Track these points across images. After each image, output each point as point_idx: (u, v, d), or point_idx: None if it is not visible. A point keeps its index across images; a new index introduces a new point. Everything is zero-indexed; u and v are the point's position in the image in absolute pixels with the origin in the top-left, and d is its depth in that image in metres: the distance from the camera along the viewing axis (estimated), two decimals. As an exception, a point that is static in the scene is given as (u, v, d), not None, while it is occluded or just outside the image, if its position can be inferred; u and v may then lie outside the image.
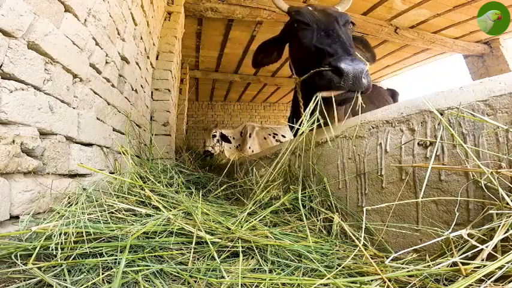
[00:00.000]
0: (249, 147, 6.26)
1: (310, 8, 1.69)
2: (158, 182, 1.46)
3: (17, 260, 0.71)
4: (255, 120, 9.03)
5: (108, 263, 0.77)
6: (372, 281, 0.70)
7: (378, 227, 1.04)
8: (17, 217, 0.85)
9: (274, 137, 6.49)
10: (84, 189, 1.12)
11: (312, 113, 1.28)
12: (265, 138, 6.44)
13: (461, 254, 0.69)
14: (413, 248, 0.87)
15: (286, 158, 1.37)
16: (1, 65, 0.77)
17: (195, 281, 0.74)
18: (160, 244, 0.87)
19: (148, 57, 2.49)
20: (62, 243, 0.78)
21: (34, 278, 0.69)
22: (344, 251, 0.98)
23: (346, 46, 1.37)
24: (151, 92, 2.79)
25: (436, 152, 0.90)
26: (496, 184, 0.73)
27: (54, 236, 0.78)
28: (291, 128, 1.95)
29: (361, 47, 1.90)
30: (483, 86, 0.85)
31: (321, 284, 0.70)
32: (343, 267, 0.78)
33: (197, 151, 4.11)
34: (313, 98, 1.30)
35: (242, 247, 0.89)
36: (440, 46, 4.96)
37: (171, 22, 3.07)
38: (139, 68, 2.18)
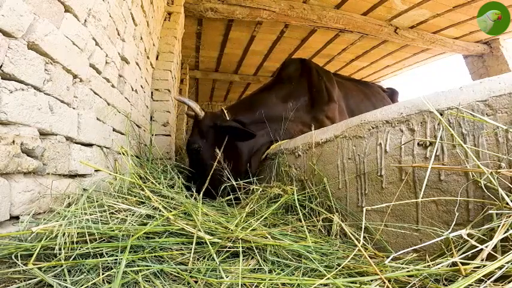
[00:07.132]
0: None
1: None
2: (158, 183, 1.46)
3: (17, 260, 0.71)
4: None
5: (109, 263, 0.77)
6: (371, 281, 0.70)
7: (378, 227, 1.04)
8: (17, 217, 0.85)
9: None
10: (85, 189, 1.12)
11: None
12: None
13: (461, 254, 0.69)
14: (413, 248, 0.87)
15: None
16: (1, 66, 0.77)
17: (195, 281, 0.74)
18: (161, 244, 0.87)
19: (148, 58, 2.49)
20: (62, 244, 0.78)
21: (34, 278, 0.69)
22: (344, 251, 0.98)
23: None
24: (151, 92, 2.79)
25: (436, 152, 0.90)
26: (495, 184, 0.73)
27: (54, 237, 0.78)
28: None
29: None
30: (483, 86, 0.85)
31: (321, 284, 0.70)
32: (342, 267, 0.78)
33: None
34: None
35: (242, 247, 0.89)
36: (440, 46, 4.95)
37: (171, 22, 3.07)
38: (139, 68, 2.18)
